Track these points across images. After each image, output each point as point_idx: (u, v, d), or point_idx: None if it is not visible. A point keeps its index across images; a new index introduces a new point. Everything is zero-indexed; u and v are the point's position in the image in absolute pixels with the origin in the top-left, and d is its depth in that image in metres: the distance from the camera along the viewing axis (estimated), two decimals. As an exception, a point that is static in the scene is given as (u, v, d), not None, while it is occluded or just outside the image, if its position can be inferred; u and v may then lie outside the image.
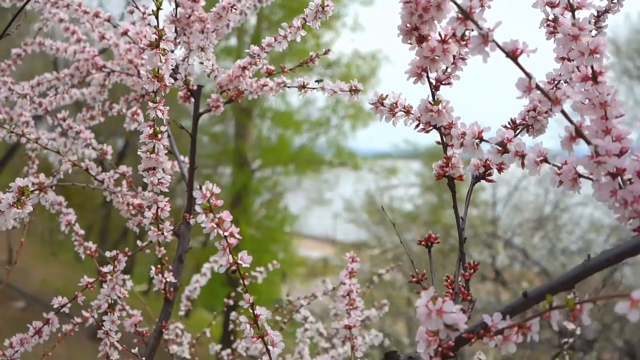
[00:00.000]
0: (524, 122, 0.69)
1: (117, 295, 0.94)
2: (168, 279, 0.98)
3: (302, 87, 0.95)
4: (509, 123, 0.70)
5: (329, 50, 1.00)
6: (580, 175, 0.55)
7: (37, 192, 0.66)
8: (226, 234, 0.63)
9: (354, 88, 0.84)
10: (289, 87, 0.97)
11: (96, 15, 1.09)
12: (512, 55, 0.51)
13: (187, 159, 1.13)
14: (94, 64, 1.18)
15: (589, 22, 0.73)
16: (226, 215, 0.63)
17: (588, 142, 0.52)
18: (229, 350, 1.37)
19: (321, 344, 1.43)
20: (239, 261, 0.64)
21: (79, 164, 1.00)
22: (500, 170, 0.68)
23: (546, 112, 0.68)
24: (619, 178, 0.52)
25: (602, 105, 0.54)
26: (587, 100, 0.55)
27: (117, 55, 1.16)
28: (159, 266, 0.97)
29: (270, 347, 0.65)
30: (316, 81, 0.95)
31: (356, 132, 11.81)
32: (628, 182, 0.53)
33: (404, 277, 7.65)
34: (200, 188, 0.62)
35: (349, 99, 0.89)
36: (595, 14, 0.75)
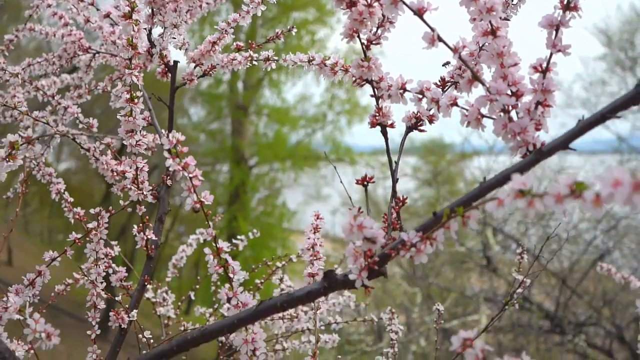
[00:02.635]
0: (452, 79, 0.79)
1: (102, 251, 1.04)
2: (149, 237, 1.08)
3: (267, 59, 1.05)
4: (439, 80, 0.80)
5: (293, 27, 1.10)
6: (483, 115, 0.65)
7: (25, 145, 0.76)
8: (191, 175, 0.72)
9: (311, 59, 0.94)
10: (255, 60, 1.07)
11: (80, -1, 1.19)
12: (419, 12, 0.61)
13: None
14: (80, 46, 1.28)
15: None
16: (191, 160, 0.73)
17: (483, 84, 0.62)
18: (211, 310, 1.47)
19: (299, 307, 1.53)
20: (202, 199, 0.74)
21: (67, 134, 1.10)
22: (430, 121, 0.77)
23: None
24: (510, 114, 0.62)
25: (499, 55, 0.64)
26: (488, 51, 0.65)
27: (101, 37, 1.26)
28: (140, 225, 1.07)
29: (231, 275, 0.75)
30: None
31: (352, 127, 11.92)
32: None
33: (400, 270, 7.79)
34: (168, 136, 0.71)
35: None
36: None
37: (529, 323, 6.24)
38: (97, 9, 1.18)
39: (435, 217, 0.62)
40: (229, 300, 0.74)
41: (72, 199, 1.18)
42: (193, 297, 1.48)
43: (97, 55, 1.30)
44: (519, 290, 1.15)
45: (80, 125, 1.19)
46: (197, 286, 1.52)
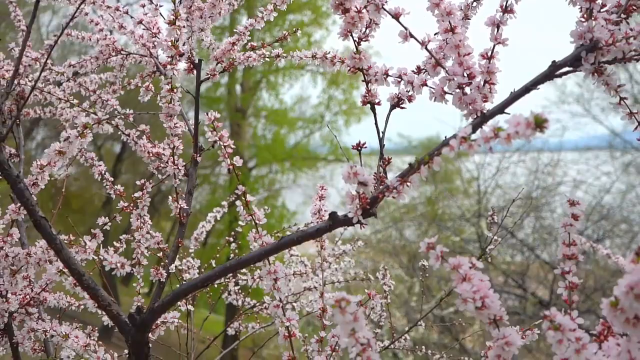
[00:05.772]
0: (424, 66, 1.01)
1: (145, 216, 1.26)
2: (182, 206, 1.29)
3: (277, 56, 1.27)
4: (415, 67, 1.01)
5: (297, 29, 1.32)
6: (445, 92, 0.87)
7: (95, 125, 0.97)
8: (225, 144, 0.94)
9: (314, 54, 1.16)
10: (267, 57, 1.29)
11: (117, 9, 1.41)
12: (395, 16, 0.83)
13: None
14: (114, 48, 1.50)
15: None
16: (225, 132, 0.95)
17: (443, 68, 0.84)
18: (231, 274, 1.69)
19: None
20: (234, 162, 0.96)
21: (110, 122, 1.32)
22: (409, 100, 0.99)
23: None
24: (465, 90, 0.84)
25: (457, 47, 0.86)
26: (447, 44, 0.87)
27: (132, 41, 1.48)
28: (174, 195, 1.28)
29: (256, 221, 0.97)
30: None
31: (349, 127, 12.14)
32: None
33: (401, 269, 8.02)
34: (207, 114, 0.93)
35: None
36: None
37: (523, 311, 6.48)
38: (131, 17, 1.40)
39: (410, 166, 0.84)
40: (255, 240, 0.96)
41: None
42: (214, 265, 1.70)
43: (128, 55, 1.52)
44: (491, 246, 1.36)
45: (118, 116, 1.41)
46: (218, 255, 1.74)
